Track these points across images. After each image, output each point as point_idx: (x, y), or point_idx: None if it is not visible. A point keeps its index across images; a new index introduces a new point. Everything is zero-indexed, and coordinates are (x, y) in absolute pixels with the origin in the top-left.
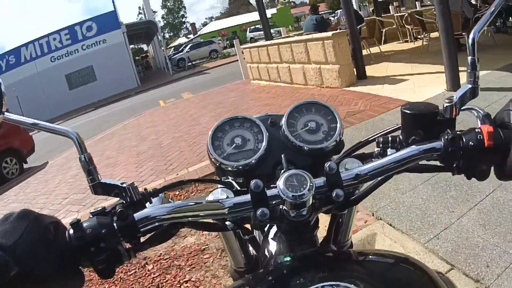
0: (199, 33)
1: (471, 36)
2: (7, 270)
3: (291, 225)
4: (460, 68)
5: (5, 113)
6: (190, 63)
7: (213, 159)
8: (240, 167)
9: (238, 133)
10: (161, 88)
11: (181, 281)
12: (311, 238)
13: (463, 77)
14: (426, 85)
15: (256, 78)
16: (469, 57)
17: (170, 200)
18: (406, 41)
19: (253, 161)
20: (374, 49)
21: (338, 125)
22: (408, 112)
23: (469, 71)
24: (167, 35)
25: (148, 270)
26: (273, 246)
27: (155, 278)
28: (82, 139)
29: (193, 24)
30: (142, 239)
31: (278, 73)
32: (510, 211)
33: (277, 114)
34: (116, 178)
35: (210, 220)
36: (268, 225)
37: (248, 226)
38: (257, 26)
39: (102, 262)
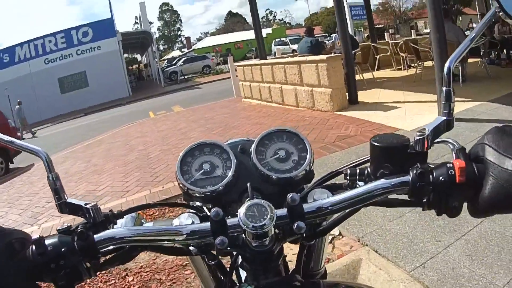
0: (193, 47)
1: (446, 65)
2: None
3: (254, 255)
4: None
5: None
6: (182, 77)
7: (181, 184)
8: (208, 193)
9: (207, 159)
10: (152, 100)
11: None
12: (275, 267)
13: (456, 107)
14: (418, 113)
15: (247, 97)
16: (444, 88)
17: (142, 220)
18: (400, 69)
19: (220, 187)
20: (367, 75)
21: (309, 154)
22: (377, 144)
23: (443, 102)
24: (161, 47)
25: (128, 282)
26: (241, 272)
27: None
28: (50, 159)
29: (188, 38)
30: (103, 259)
31: (270, 93)
32: (497, 243)
33: (248, 140)
34: (101, 186)
35: (172, 245)
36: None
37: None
38: (282, 39)
39: (61, 278)
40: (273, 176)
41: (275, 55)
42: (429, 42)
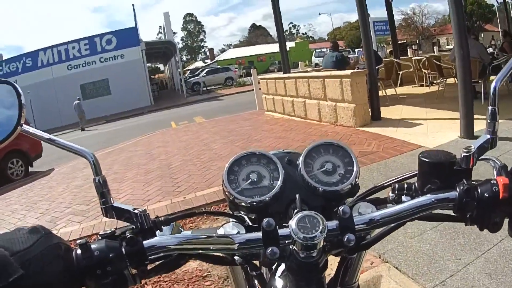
0: (216, 59)
1: (493, 85)
2: (8, 272)
3: (300, 266)
4: (475, 116)
5: (24, 125)
6: (205, 88)
7: (227, 193)
8: (254, 203)
9: (254, 169)
10: (174, 110)
11: None
12: (319, 279)
13: (478, 125)
14: (440, 130)
15: (270, 110)
16: (490, 107)
17: (180, 228)
18: (422, 85)
19: (267, 198)
20: (390, 91)
21: (355, 168)
22: (426, 160)
23: (488, 121)
24: (184, 58)
25: None
26: (279, 284)
27: None
28: (97, 161)
29: (211, 50)
30: (149, 266)
31: (293, 107)
32: None
33: (294, 152)
34: (122, 194)
35: (219, 254)
36: (276, 263)
37: (256, 262)
38: (323, 50)
39: (106, 285)
40: (320, 189)
41: (315, 67)
42: (452, 59)
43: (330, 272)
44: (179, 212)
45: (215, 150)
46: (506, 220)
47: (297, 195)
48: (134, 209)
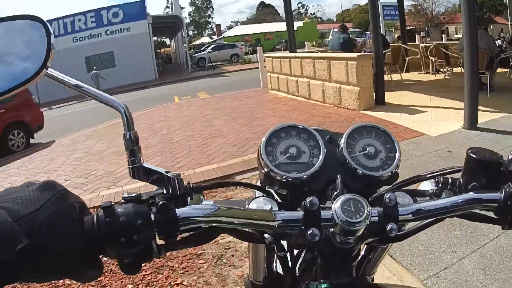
0: (223, 35)
1: None
2: (13, 242)
3: (334, 251)
4: (480, 107)
5: (50, 68)
6: (210, 64)
7: (263, 164)
8: (290, 179)
9: (293, 143)
10: (178, 84)
11: (172, 283)
12: (349, 267)
13: (481, 117)
14: (444, 119)
15: (274, 88)
16: None
17: (201, 197)
18: (428, 73)
19: (305, 175)
20: (396, 76)
21: (397, 155)
22: (475, 157)
23: None
24: (191, 33)
25: None
26: (304, 269)
27: (146, 276)
28: (130, 114)
29: (218, 26)
30: (178, 238)
31: (297, 87)
32: None
33: (335, 132)
34: (121, 167)
35: (249, 230)
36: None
37: (283, 242)
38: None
39: (129, 256)
40: (360, 172)
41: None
42: (460, 49)
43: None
44: (212, 180)
45: (217, 126)
46: None
47: (338, 176)
48: (167, 172)
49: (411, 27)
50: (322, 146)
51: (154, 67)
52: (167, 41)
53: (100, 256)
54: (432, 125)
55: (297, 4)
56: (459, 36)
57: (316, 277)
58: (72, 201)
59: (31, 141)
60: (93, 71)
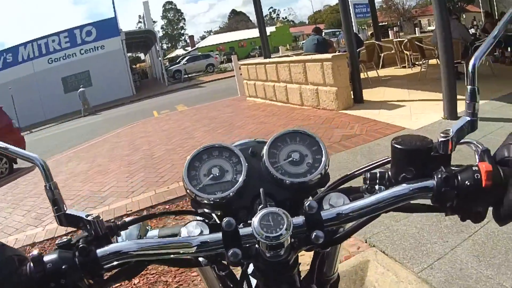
0: (197, 46)
1: (471, 62)
2: None
3: (268, 265)
4: (458, 97)
5: None
6: (186, 76)
7: (188, 191)
8: (217, 200)
9: (216, 163)
10: (156, 99)
11: None
12: (290, 277)
13: (461, 106)
14: (423, 112)
15: (252, 95)
16: (469, 87)
17: (147, 227)
18: (404, 67)
19: (230, 194)
20: (372, 73)
21: (324, 157)
22: (400, 147)
23: (467, 101)
24: (164, 46)
25: (134, 284)
26: (253, 282)
27: None
28: (47, 167)
29: (191, 37)
30: (107, 275)
31: (274, 92)
32: (504, 244)
33: (259, 142)
34: (106, 187)
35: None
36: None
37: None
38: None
39: None
40: (287, 181)
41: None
42: (434, 42)
43: (307, 265)
44: (150, 208)
45: (197, 138)
46: (490, 209)
47: (261, 190)
48: (87, 215)
49: (383, 23)
50: (243, 161)
51: (130, 83)
52: (142, 56)
53: None
54: (412, 118)
55: (269, 9)
56: (432, 28)
57: None
58: (11, 254)
59: (15, 166)
60: (80, 89)
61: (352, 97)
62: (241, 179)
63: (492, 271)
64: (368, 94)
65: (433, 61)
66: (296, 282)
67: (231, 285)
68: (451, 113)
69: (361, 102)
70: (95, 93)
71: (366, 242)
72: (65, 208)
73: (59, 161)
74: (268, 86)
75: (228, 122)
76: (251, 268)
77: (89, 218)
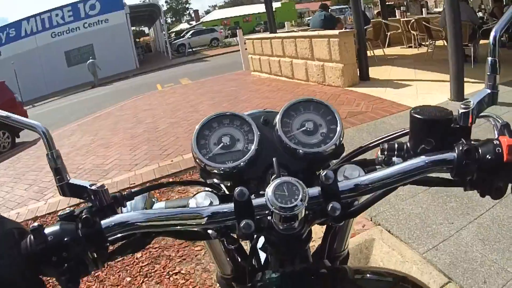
0: (201, 20)
1: (492, 34)
2: None
3: (281, 238)
4: (465, 79)
5: None
6: (190, 49)
7: (197, 160)
8: (227, 169)
9: (226, 132)
10: (160, 72)
11: (170, 272)
12: (302, 252)
13: (468, 88)
14: (429, 92)
15: (256, 70)
16: (489, 58)
17: (153, 199)
18: (410, 47)
19: (241, 163)
20: (378, 52)
21: (339, 127)
22: (419, 117)
23: (488, 73)
24: (169, 20)
25: (137, 258)
26: (262, 256)
27: (143, 267)
28: (50, 135)
29: (196, 11)
30: (112, 247)
31: (279, 67)
32: (510, 228)
33: (272, 111)
34: (109, 159)
35: (190, 229)
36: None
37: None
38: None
39: (65, 272)
40: (300, 151)
41: None
42: (442, 25)
43: (317, 240)
44: (153, 181)
45: (202, 111)
46: (510, 186)
47: (274, 159)
48: (91, 185)
49: (390, 3)
50: (255, 130)
51: (134, 57)
52: (146, 29)
53: (41, 276)
54: (419, 98)
55: None
56: (439, 9)
57: (272, 265)
58: (10, 227)
59: (17, 140)
60: (90, 60)
61: (358, 74)
62: (253, 148)
63: (497, 256)
64: (374, 72)
65: (439, 42)
66: (309, 256)
67: (240, 260)
68: (458, 95)
69: (367, 80)
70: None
71: (371, 220)
72: (68, 178)
73: (62, 135)
74: (274, 61)
75: (233, 96)
76: (260, 243)
77: (93, 187)
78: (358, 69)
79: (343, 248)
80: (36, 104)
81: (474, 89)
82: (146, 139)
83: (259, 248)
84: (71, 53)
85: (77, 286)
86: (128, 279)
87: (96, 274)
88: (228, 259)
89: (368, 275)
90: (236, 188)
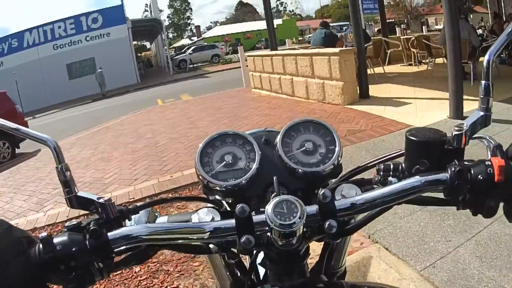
0: (203, 36)
1: (486, 58)
2: None
3: (279, 254)
4: (464, 97)
5: None
6: (191, 65)
7: (200, 177)
8: (229, 187)
9: (229, 150)
10: (161, 87)
11: (168, 287)
12: (300, 267)
13: (467, 106)
14: (429, 110)
15: (257, 87)
16: (483, 81)
17: (156, 214)
18: (410, 64)
19: (243, 181)
20: (378, 69)
21: (337, 148)
22: (414, 139)
23: (482, 96)
24: (170, 35)
25: (135, 272)
26: (261, 271)
27: (141, 281)
28: (60, 148)
29: (197, 27)
30: (117, 259)
31: (280, 84)
32: (507, 245)
33: (272, 131)
34: (109, 174)
35: (192, 243)
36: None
37: (235, 249)
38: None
39: (72, 280)
40: (300, 170)
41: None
42: (441, 43)
43: (315, 257)
44: (152, 196)
45: (202, 128)
46: (501, 204)
47: (274, 178)
48: (99, 198)
49: (390, 20)
50: (256, 149)
51: (135, 71)
52: (148, 44)
53: (48, 284)
54: (418, 116)
55: (276, 1)
56: (439, 27)
57: (271, 279)
58: (19, 236)
59: (17, 151)
60: (98, 70)
61: (358, 92)
62: (254, 166)
63: (494, 273)
64: (374, 90)
65: (439, 60)
66: (306, 272)
67: (239, 274)
68: (457, 113)
69: (367, 98)
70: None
71: (369, 238)
72: (77, 191)
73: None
74: (274, 78)
75: (233, 113)
76: (259, 258)
77: (101, 201)
78: (358, 87)
79: (340, 264)
80: (37, 116)
81: (474, 106)
82: (146, 154)
83: (258, 264)
84: (72, 65)
85: None
86: None
87: (95, 287)
88: (228, 273)
89: None
90: (237, 205)
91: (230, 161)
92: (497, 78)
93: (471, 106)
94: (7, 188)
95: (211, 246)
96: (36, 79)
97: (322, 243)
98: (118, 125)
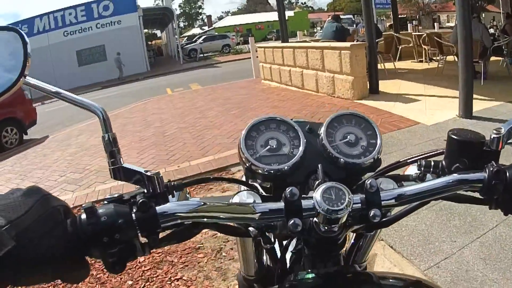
0: (214, 26)
1: None
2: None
3: (320, 240)
4: (474, 96)
5: (27, 77)
6: (201, 55)
7: (244, 159)
8: (272, 171)
9: (273, 135)
10: (170, 76)
11: (172, 278)
12: (336, 256)
13: (476, 105)
14: (438, 108)
15: (267, 79)
16: None
17: (187, 195)
18: (421, 61)
19: (286, 167)
20: (389, 65)
21: (378, 141)
22: (456, 138)
23: None
24: (181, 24)
25: (139, 262)
26: (292, 259)
27: (145, 272)
28: (108, 116)
29: (209, 16)
30: (160, 235)
31: (290, 77)
32: (511, 248)
33: (314, 122)
34: None
35: (234, 224)
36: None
37: (269, 235)
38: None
39: (113, 255)
40: (342, 160)
41: None
42: (453, 42)
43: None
44: (193, 176)
45: (210, 118)
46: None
47: (319, 165)
48: (146, 171)
49: (402, 16)
50: (302, 136)
51: (145, 60)
52: (158, 33)
53: (86, 257)
54: (427, 113)
55: None
56: (451, 24)
57: (304, 267)
58: (56, 205)
59: (25, 137)
60: (116, 56)
61: (368, 87)
62: (298, 153)
63: (498, 275)
64: (384, 85)
65: (450, 58)
66: (341, 261)
67: (268, 261)
68: (467, 112)
69: (376, 93)
70: (109, 68)
71: None
72: (122, 162)
73: (70, 134)
74: (284, 70)
75: (242, 104)
76: (291, 246)
77: (149, 173)
78: (368, 82)
79: (363, 259)
80: (46, 102)
81: (483, 106)
82: (154, 143)
83: (290, 251)
84: (82, 52)
85: (123, 269)
86: (130, 282)
87: (98, 275)
88: (255, 260)
89: (393, 280)
90: (287, 188)
91: (274, 146)
92: (507, 78)
93: (481, 106)
94: (14, 174)
95: (250, 229)
96: (45, 66)
97: (354, 235)
98: (127, 113)
